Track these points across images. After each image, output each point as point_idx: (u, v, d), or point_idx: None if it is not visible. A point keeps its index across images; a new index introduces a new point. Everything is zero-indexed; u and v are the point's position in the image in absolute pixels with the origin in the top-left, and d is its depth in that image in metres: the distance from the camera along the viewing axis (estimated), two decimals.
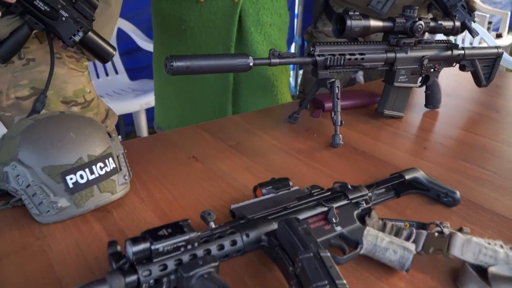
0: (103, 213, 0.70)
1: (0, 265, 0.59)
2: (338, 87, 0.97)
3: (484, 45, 2.93)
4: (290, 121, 1.10)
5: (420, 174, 0.78)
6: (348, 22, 0.94)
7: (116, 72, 2.33)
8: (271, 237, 0.56)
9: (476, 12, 1.24)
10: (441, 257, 0.62)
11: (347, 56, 0.97)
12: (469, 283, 0.57)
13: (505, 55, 2.74)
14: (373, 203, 0.71)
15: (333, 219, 0.61)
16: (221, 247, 0.53)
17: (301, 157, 0.92)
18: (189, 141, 0.97)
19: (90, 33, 0.89)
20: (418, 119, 1.17)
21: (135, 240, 0.46)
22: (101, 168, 0.70)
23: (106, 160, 0.71)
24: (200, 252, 0.51)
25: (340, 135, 0.96)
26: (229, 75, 1.28)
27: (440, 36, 1.22)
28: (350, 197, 0.66)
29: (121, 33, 2.27)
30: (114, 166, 0.72)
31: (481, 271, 0.57)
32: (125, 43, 2.30)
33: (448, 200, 0.75)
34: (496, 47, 1.27)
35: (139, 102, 2.04)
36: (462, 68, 1.23)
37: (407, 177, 0.76)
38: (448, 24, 1.10)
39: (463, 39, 3.25)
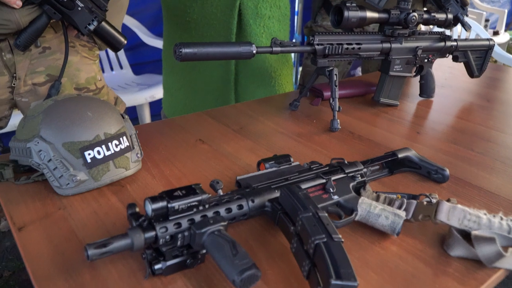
0: (118, 187, 0.76)
1: (26, 230, 0.65)
2: (336, 74, 1.03)
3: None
4: (291, 108, 1.16)
5: (412, 153, 0.84)
6: (346, 13, 1.00)
7: (121, 67, 2.39)
8: (274, 203, 0.61)
9: (474, 10, 1.30)
10: (429, 224, 0.68)
11: (345, 46, 1.03)
12: (454, 246, 0.62)
13: (503, 52, 2.80)
14: (368, 179, 0.77)
15: (331, 189, 0.67)
16: (229, 210, 0.58)
17: (301, 140, 0.98)
18: (195, 126, 1.03)
19: (103, 23, 0.94)
20: (413, 107, 1.23)
21: (154, 199, 0.52)
22: (116, 145, 0.75)
23: (121, 138, 0.76)
24: (210, 213, 0.56)
25: (338, 120, 1.02)
26: (231, 65, 1.33)
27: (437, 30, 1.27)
28: (347, 171, 0.72)
29: (125, 29, 2.32)
30: (128, 144, 0.78)
31: (466, 235, 0.63)
32: (130, 38, 2.34)
33: (438, 176, 0.81)
34: (488, 39, 1.32)
35: (144, 95, 2.09)
36: (455, 59, 1.29)
37: (399, 155, 0.82)
38: (441, 16, 1.16)
39: (459, 36, 3.30)
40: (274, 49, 0.93)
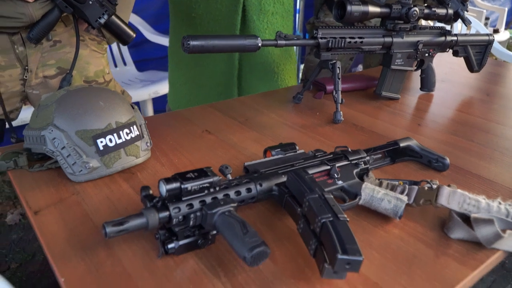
0: (129, 175, 0.78)
1: (42, 214, 0.67)
2: (339, 67, 1.05)
3: None
4: (294, 101, 1.18)
5: (413, 143, 0.86)
6: (349, 7, 1.02)
7: (125, 64, 2.41)
8: (281, 187, 0.64)
9: (474, 8, 1.32)
10: (430, 209, 0.70)
11: (348, 40, 1.05)
12: (455, 228, 0.65)
13: (503, 49, 2.82)
14: (371, 167, 0.79)
15: (335, 174, 0.69)
16: (238, 193, 0.61)
17: (305, 131, 1.00)
18: (202, 118, 1.05)
19: (113, 17, 0.97)
20: (414, 101, 1.26)
21: (168, 180, 0.54)
22: (127, 134, 0.78)
23: (131, 127, 0.79)
24: (220, 196, 0.59)
25: (341, 112, 1.04)
26: (235, 60, 1.36)
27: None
28: (350, 158, 0.75)
29: None
30: (138, 133, 0.80)
31: (465, 219, 0.65)
32: None
33: (439, 165, 0.83)
34: (488, 34, 1.35)
35: (147, 91, 2.12)
36: (455, 53, 1.31)
37: (401, 144, 0.84)
38: (441, 11, 1.18)
39: (459, 32, 3.32)
40: (279, 42, 0.95)
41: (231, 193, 0.60)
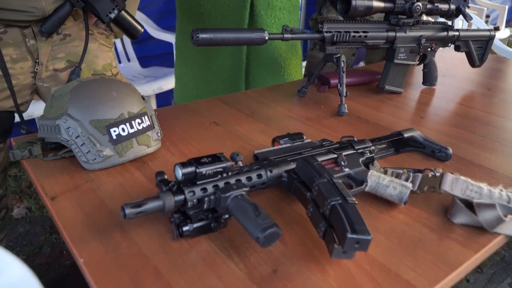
0: (141, 163, 0.81)
1: (58, 200, 0.69)
2: (343, 61, 1.07)
3: None
4: (299, 95, 1.20)
5: (416, 133, 0.88)
6: (353, 2, 1.04)
7: (128, 60, 2.43)
8: (290, 173, 0.66)
9: (475, 6, 1.34)
10: (433, 196, 0.72)
11: (352, 34, 1.07)
12: (458, 214, 0.67)
13: (504, 46, 2.84)
14: (376, 156, 0.81)
15: (342, 162, 0.72)
16: (249, 178, 0.63)
17: (310, 123, 1.02)
18: (209, 110, 1.07)
19: (122, 11, 0.99)
20: (416, 95, 1.28)
21: (183, 164, 0.56)
22: (139, 124, 0.80)
23: (143, 117, 0.81)
24: (232, 181, 0.61)
25: (346, 105, 1.07)
26: (243, 55, 1.38)
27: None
28: (356, 147, 0.77)
29: None
30: (149, 123, 0.82)
31: (468, 205, 0.68)
32: None
33: (442, 155, 0.86)
34: (489, 30, 1.37)
35: (151, 87, 2.14)
36: (457, 48, 1.33)
37: (405, 135, 0.86)
38: (444, 6, 1.20)
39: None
40: (285, 35, 0.98)
41: (243, 179, 0.62)
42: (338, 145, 0.77)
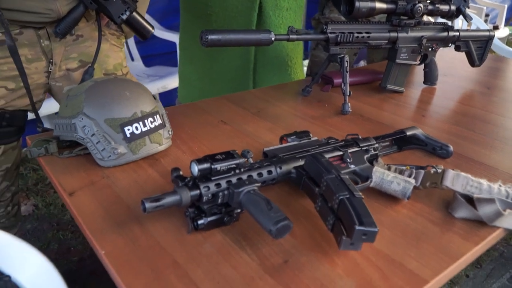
0: (153, 161, 0.84)
1: (76, 195, 0.72)
2: (347, 61, 1.10)
3: None
4: (303, 94, 1.23)
5: (418, 131, 0.91)
6: (357, 4, 1.07)
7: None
8: (299, 169, 0.69)
9: (474, 5, 1.38)
10: (435, 192, 0.75)
11: (355, 34, 1.10)
12: (459, 208, 0.70)
13: (503, 45, 2.88)
14: (380, 153, 0.85)
15: (348, 159, 0.75)
16: (260, 174, 0.66)
17: (315, 122, 1.05)
18: (216, 109, 1.10)
19: (134, 13, 1.02)
20: (417, 94, 1.31)
21: (199, 161, 0.59)
22: (151, 122, 0.83)
23: (155, 116, 0.84)
24: (244, 177, 0.64)
25: (349, 104, 1.10)
26: (251, 55, 1.40)
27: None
28: (361, 145, 0.80)
29: None
30: (161, 122, 0.85)
31: (468, 200, 0.71)
32: None
33: (443, 152, 0.89)
34: (488, 30, 1.40)
35: (155, 86, 2.17)
36: (457, 48, 1.36)
37: (408, 133, 0.90)
38: (444, 7, 1.23)
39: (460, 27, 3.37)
40: (291, 36, 1.00)
41: (254, 175, 0.65)
42: (343, 142, 0.80)
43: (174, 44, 2.30)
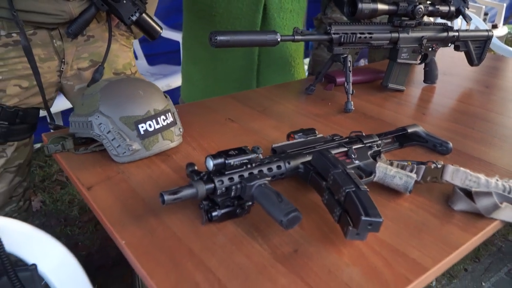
0: (165, 157, 0.87)
1: (94, 189, 0.76)
2: (350, 61, 1.14)
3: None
4: (307, 92, 1.27)
5: (419, 129, 0.95)
6: (360, 5, 1.11)
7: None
8: (306, 165, 0.73)
9: (473, 4, 1.41)
10: (435, 186, 0.79)
11: (358, 35, 1.14)
12: (458, 201, 0.74)
13: (501, 44, 2.91)
14: (382, 150, 0.88)
15: (353, 155, 0.78)
16: (270, 169, 0.70)
17: (319, 119, 1.09)
18: (223, 107, 1.14)
19: (143, 14, 1.05)
20: (418, 92, 1.35)
21: (214, 156, 0.63)
22: (164, 120, 0.86)
23: (167, 114, 0.87)
24: (255, 171, 0.68)
25: (352, 102, 1.13)
26: (255, 56, 1.44)
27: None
28: (365, 141, 0.84)
29: None
30: (172, 119, 0.89)
31: (467, 193, 0.74)
32: None
33: (443, 149, 0.92)
34: (487, 30, 1.43)
35: (159, 85, 2.19)
36: (457, 48, 1.40)
37: (409, 130, 0.93)
38: (444, 8, 1.27)
39: (459, 28, 3.41)
40: (296, 37, 1.04)
41: (264, 169, 0.69)
42: (348, 139, 0.84)
43: (177, 43, 2.33)
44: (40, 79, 1.02)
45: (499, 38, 3.84)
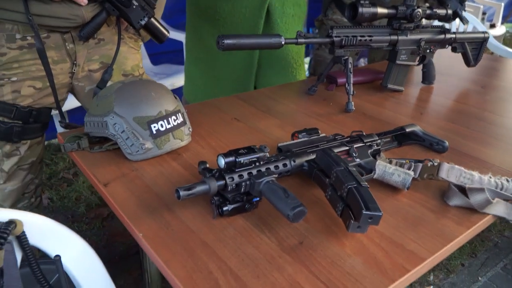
0: (176, 155, 0.92)
1: (110, 186, 0.80)
2: (351, 63, 1.18)
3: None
4: (309, 92, 1.31)
5: (417, 128, 1.00)
6: (360, 9, 1.15)
7: None
8: (311, 162, 0.78)
9: (471, 3, 1.46)
10: (432, 183, 0.84)
11: (359, 38, 1.18)
12: (453, 197, 0.79)
13: (499, 44, 2.95)
14: (382, 148, 0.93)
15: (354, 153, 0.83)
16: (277, 167, 0.75)
17: (321, 119, 1.14)
18: (229, 107, 1.18)
19: (151, 18, 1.10)
20: (416, 92, 1.39)
21: (225, 154, 0.68)
22: (174, 120, 0.91)
23: (177, 114, 0.92)
24: (263, 169, 0.72)
25: (352, 102, 1.18)
26: (255, 58, 1.48)
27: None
28: (365, 140, 0.88)
29: None
30: (182, 119, 0.93)
31: (462, 190, 0.79)
32: None
33: (439, 147, 0.97)
34: (483, 32, 1.48)
35: (164, 84, 2.24)
36: (454, 49, 1.44)
37: (407, 129, 0.98)
38: (441, 11, 1.31)
39: (456, 29, 3.45)
40: (299, 40, 1.08)
41: (271, 167, 0.74)
42: (349, 138, 0.89)
43: (181, 42, 2.37)
44: (53, 80, 1.06)
45: (497, 37, 3.87)
